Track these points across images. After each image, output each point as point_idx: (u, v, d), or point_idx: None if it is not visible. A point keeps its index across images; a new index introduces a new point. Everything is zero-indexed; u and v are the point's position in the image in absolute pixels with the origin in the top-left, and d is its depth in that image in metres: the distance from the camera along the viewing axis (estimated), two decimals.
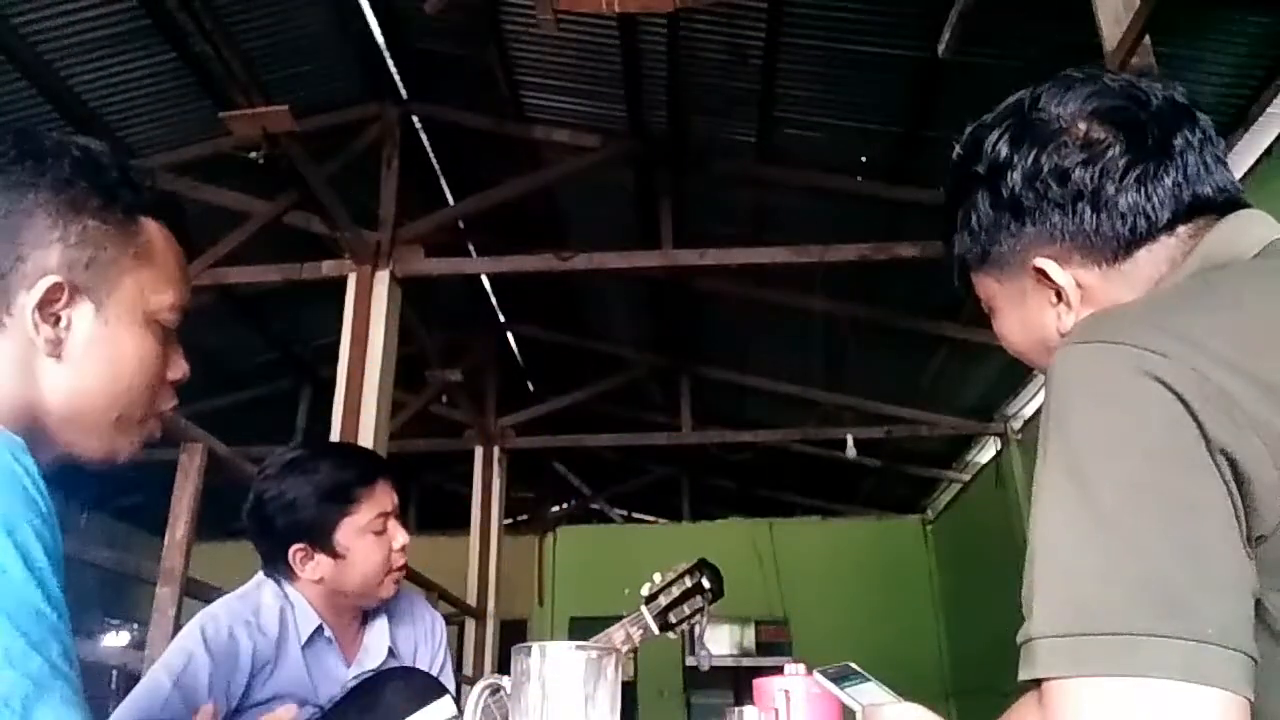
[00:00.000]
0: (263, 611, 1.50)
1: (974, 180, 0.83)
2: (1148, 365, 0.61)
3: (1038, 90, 0.82)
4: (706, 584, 1.57)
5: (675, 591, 1.55)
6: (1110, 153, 0.76)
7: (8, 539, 0.63)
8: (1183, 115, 0.78)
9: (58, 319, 0.78)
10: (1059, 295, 0.80)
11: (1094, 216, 0.77)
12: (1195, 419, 0.59)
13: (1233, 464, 0.58)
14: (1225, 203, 0.76)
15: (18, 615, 0.62)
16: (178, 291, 0.86)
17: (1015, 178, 0.80)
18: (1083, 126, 0.78)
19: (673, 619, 1.54)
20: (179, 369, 0.88)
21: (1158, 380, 0.60)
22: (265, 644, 1.46)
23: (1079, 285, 0.79)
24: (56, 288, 0.77)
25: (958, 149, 0.86)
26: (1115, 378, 0.62)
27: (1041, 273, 0.80)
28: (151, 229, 0.85)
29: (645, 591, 1.56)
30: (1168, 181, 0.75)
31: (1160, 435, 0.59)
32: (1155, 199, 0.75)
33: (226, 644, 1.42)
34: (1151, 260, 0.76)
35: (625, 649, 1.52)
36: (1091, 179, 0.76)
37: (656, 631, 1.53)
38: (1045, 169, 0.78)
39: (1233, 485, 0.58)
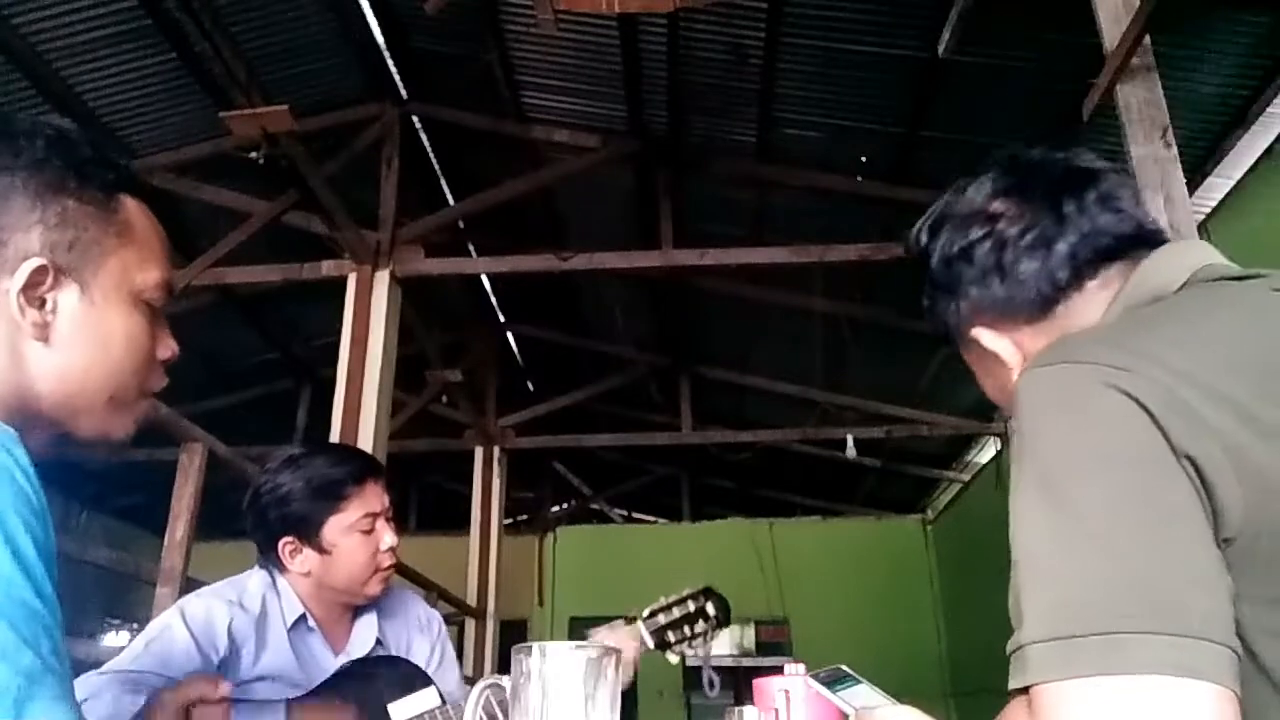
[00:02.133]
0: (246, 594, 1.54)
1: (918, 267, 0.93)
2: (1111, 379, 0.64)
3: (967, 180, 0.90)
4: (712, 610, 1.57)
5: (677, 613, 1.56)
6: (1002, 225, 0.85)
7: None
8: (1079, 180, 0.84)
9: (43, 302, 0.77)
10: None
11: (1003, 286, 0.84)
12: (1159, 427, 0.61)
13: (1197, 469, 0.61)
14: (1133, 245, 0.82)
15: (9, 610, 0.61)
16: (162, 269, 0.85)
17: (935, 262, 0.89)
18: (988, 205, 0.87)
19: (671, 638, 1.55)
20: (168, 348, 0.88)
21: (1122, 392, 0.63)
22: (244, 619, 1.49)
23: (1016, 346, 0.86)
24: (40, 270, 0.76)
25: (908, 236, 0.96)
26: (1081, 392, 0.65)
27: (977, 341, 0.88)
28: (130, 206, 0.84)
29: (647, 610, 1.57)
30: (1061, 245, 0.82)
31: (1129, 443, 0.62)
32: (1052, 262, 0.82)
33: (204, 619, 1.46)
34: (1069, 313, 0.82)
35: None
36: (992, 252, 0.85)
37: (651, 646, 1.54)
38: (953, 251, 0.87)
39: (1200, 489, 0.60)
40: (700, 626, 1.56)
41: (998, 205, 0.86)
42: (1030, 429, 0.67)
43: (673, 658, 1.57)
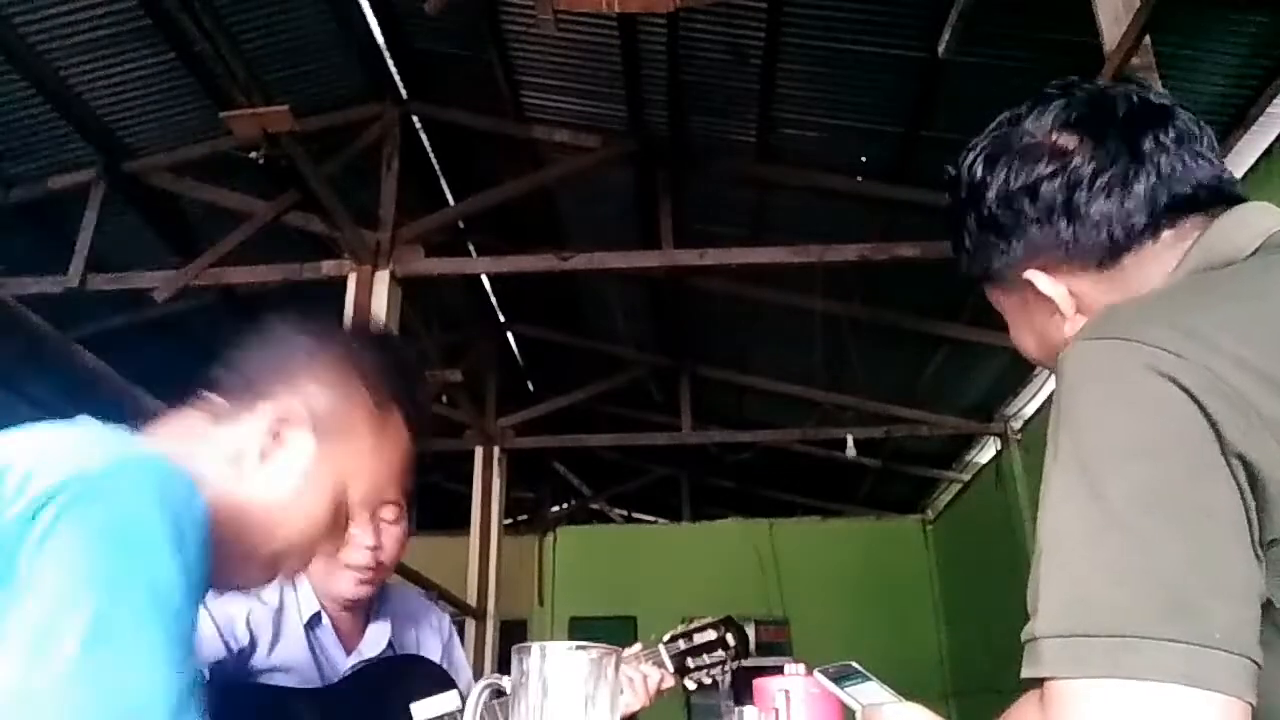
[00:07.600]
0: (264, 587, 1.54)
1: (960, 203, 0.85)
2: (1162, 365, 0.60)
3: (1018, 108, 0.83)
4: (731, 641, 1.59)
5: (697, 640, 1.58)
6: (1076, 161, 0.77)
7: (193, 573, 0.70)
8: (1154, 115, 0.77)
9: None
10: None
11: (1070, 228, 0.77)
12: (1210, 420, 0.58)
13: (1247, 466, 0.58)
14: (1213, 198, 0.76)
15: (180, 633, 0.68)
16: None
17: (991, 197, 0.81)
18: (1053, 138, 0.79)
19: (690, 664, 1.57)
20: None
21: (1172, 380, 0.59)
22: (262, 611, 1.50)
23: (1072, 294, 0.80)
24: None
25: (949, 169, 0.88)
26: (1129, 377, 0.61)
27: (1033, 285, 0.81)
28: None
29: (668, 635, 1.59)
30: (1139, 187, 0.75)
31: (1174, 437, 0.59)
32: (1128, 205, 0.75)
33: (223, 610, 1.47)
34: (1139, 265, 0.76)
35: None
36: (1061, 191, 0.77)
37: (672, 671, 1.56)
38: (1016, 186, 0.79)
39: (1246, 488, 0.58)
40: (719, 655, 1.58)
41: (1065, 139, 0.78)
42: (1070, 407, 0.64)
43: (690, 684, 1.58)
